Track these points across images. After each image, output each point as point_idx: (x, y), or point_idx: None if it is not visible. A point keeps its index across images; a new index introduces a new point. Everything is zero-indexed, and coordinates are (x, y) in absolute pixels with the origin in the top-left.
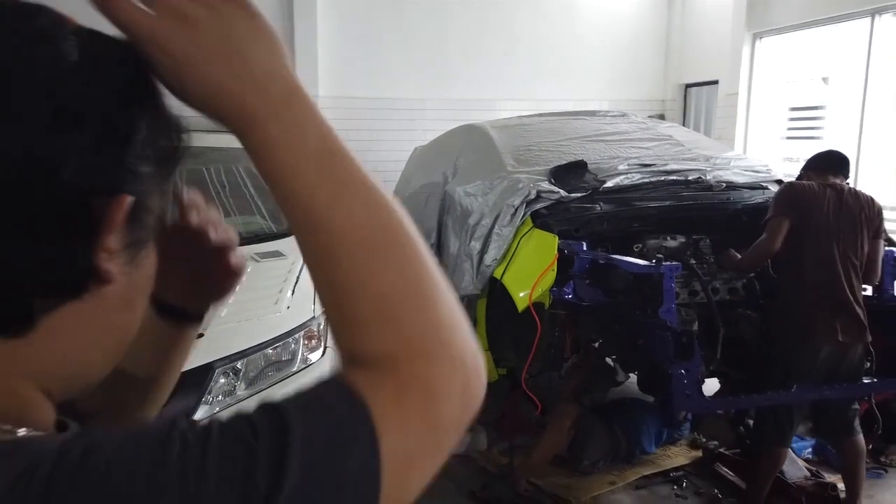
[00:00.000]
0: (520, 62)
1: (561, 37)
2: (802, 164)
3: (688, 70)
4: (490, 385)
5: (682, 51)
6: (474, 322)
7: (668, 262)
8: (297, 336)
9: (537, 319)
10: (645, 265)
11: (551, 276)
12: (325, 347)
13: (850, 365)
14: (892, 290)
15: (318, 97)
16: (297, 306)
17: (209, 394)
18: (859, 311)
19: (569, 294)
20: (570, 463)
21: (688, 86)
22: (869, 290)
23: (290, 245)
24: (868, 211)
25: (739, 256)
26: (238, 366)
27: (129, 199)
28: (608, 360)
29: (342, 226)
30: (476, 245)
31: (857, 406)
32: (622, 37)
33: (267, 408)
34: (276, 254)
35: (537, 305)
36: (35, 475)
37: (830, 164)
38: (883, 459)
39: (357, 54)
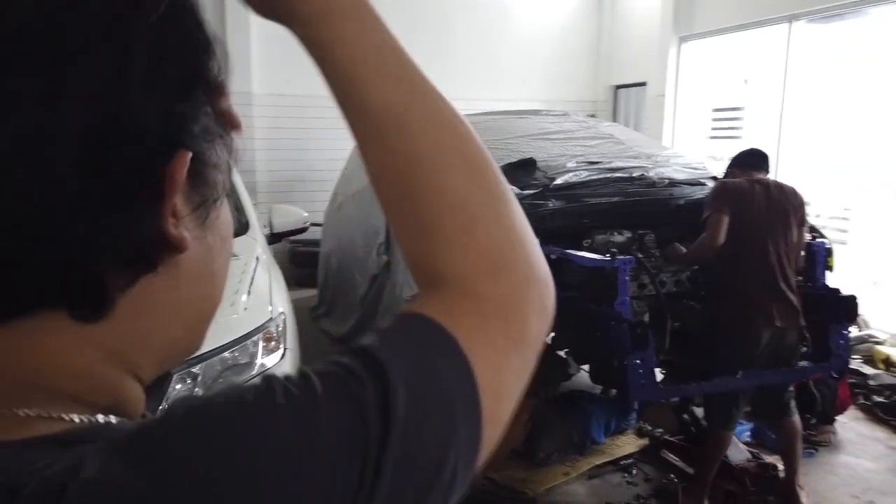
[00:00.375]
0: (454, 63)
1: (495, 38)
2: (727, 162)
3: (617, 72)
4: None
5: (611, 53)
6: None
7: (622, 257)
8: (255, 338)
9: None
10: (601, 260)
11: None
12: (285, 349)
13: (787, 348)
14: (824, 278)
15: (251, 94)
16: (253, 308)
17: (167, 400)
18: (793, 297)
19: None
20: (525, 456)
21: (617, 87)
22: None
23: (242, 245)
24: (794, 202)
25: (683, 250)
26: (195, 370)
27: (188, 156)
28: (560, 353)
29: (422, 127)
30: None
31: (791, 388)
32: (554, 40)
33: (358, 352)
34: None
35: None
36: (144, 432)
37: (754, 161)
38: (814, 438)
39: (292, 50)
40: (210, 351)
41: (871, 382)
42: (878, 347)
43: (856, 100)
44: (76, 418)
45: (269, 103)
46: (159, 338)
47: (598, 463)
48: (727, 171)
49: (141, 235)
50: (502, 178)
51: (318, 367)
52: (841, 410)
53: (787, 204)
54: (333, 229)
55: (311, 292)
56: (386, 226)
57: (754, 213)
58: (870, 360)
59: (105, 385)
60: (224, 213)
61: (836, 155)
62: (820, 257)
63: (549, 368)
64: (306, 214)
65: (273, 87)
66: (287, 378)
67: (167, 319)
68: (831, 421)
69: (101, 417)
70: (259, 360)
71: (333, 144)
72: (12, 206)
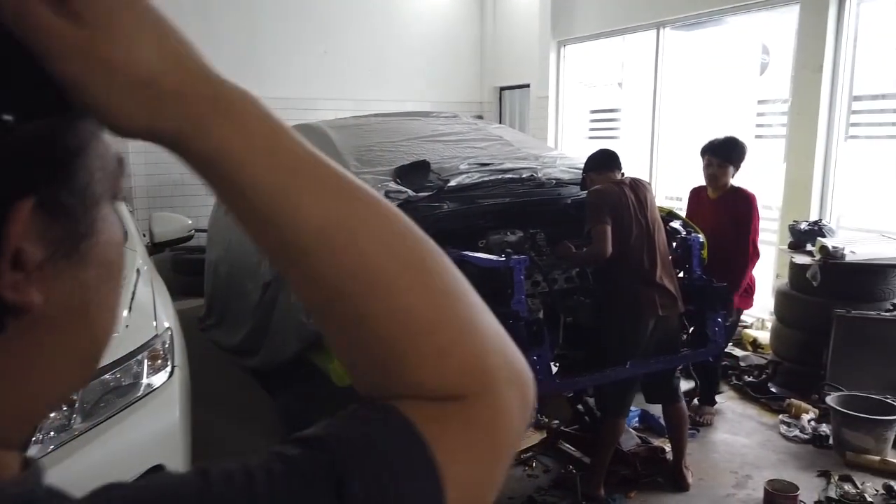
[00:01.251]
0: (338, 62)
1: (381, 39)
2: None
3: (501, 74)
4: (343, 390)
5: (495, 56)
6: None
7: (517, 256)
8: (139, 357)
9: None
10: (497, 260)
11: None
12: (173, 367)
13: (670, 335)
14: (700, 269)
15: None
16: (136, 325)
17: (39, 431)
18: (672, 286)
19: None
20: None
21: (502, 89)
22: (680, 272)
23: None
24: (649, 193)
25: (573, 247)
26: (72, 396)
27: (28, 204)
28: None
29: (376, 241)
30: None
31: (679, 376)
32: (440, 42)
33: (313, 445)
34: None
35: None
36: None
37: (609, 163)
38: (697, 419)
39: None
40: None
41: (742, 364)
42: (746, 331)
43: (717, 101)
44: None
45: None
46: (25, 399)
47: None
48: (584, 175)
49: None
50: (468, 285)
51: (263, 462)
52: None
53: (647, 198)
54: (220, 235)
55: (197, 302)
56: None
57: (629, 215)
58: (739, 342)
59: None
60: (105, 235)
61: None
62: (695, 250)
63: None
64: (190, 222)
65: None
66: (225, 471)
67: (38, 375)
68: (713, 402)
69: None
70: (145, 381)
71: None
72: None
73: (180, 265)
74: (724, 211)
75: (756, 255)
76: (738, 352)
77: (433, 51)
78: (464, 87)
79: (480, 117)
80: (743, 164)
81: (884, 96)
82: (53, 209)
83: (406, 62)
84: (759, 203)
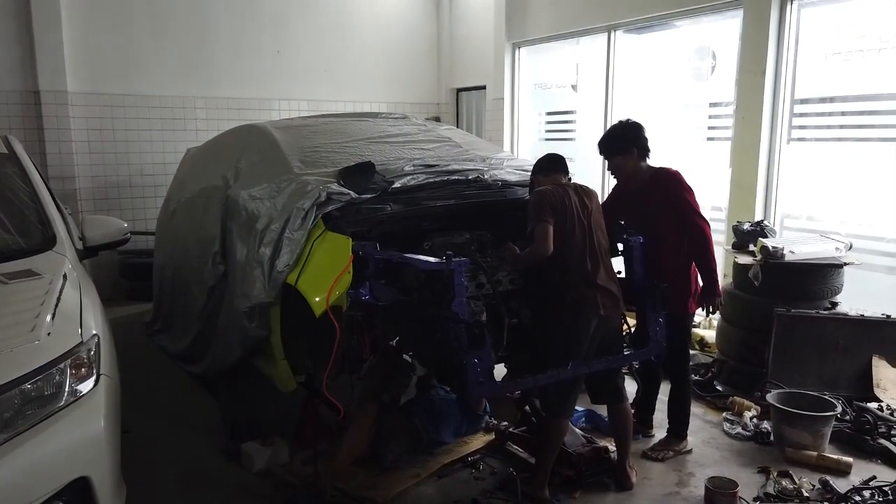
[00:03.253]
0: (294, 62)
1: (335, 38)
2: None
3: (458, 75)
4: (288, 394)
5: (452, 57)
6: (269, 331)
7: (458, 258)
8: (62, 366)
9: (336, 323)
10: (437, 262)
11: (347, 278)
12: (98, 375)
13: (612, 336)
14: (642, 270)
15: (66, 93)
16: (59, 332)
17: None
18: (614, 287)
19: (365, 295)
20: (373, 461)
21: (459, 90)
22: (623, 273)
23: (46, 262)
24: (595, 199)
25: (517, 249)
26: None
27: None
28: (405, 356)
29: None
30: (266, 251)
31: (623, 376)
32: (396, 42)
33: None
34: (29, 273)
35: (334, 309)
36: None
37: (555, 167)
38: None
39: (109, 44)
40: (6, 384)
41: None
42: (694, 330)
43: (669, 103)
44: None
45: (87, 102)
46: None
47: (446, 462)
48: (532, 177)
49: None
50: None
51: None
52: None
53: (591, 203)
54: (167, 238)
55: (146, 306)
56: (222, 233)
57: (572, 217)
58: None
59: None
60: None
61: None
62: (636, 252)
63: (394, 372)
64: (125, 224)
65: (91, 86)
66: None
67: None
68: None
69: None
70: (67, 389)
71: (163, 147)
72: None
73: (128, 269)
74: (655, 197)
75: (705, 222)
76: None
77: (390, 52)
78: (421, 89)
79: (438, 119)
80: (637, 144)
81: (825, 99)
82: None
83: (362, 63)
84: (689, 183)
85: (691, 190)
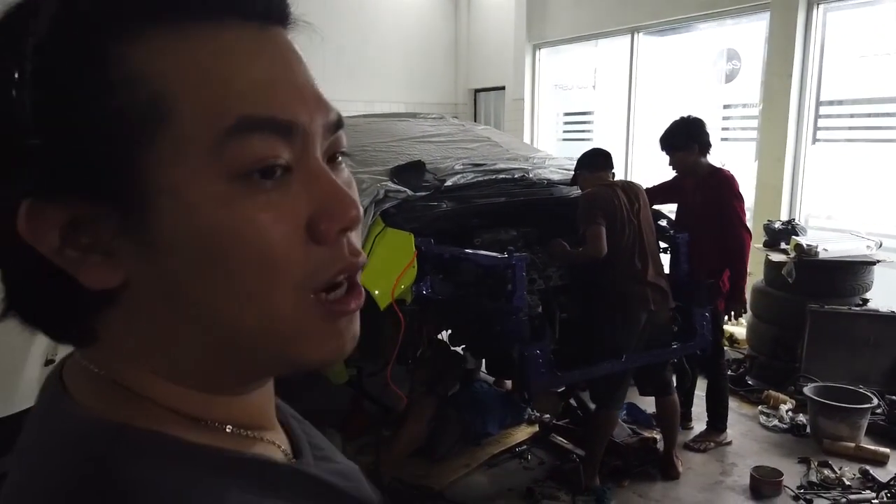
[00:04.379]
0: (314, 62)
1: (355, 39)
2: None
3: (476, 76)
4: (333, 388)
5: (470, 58)
6: None
7: (518, 254)
8: None
9: (401, 316)
10: (498, 257)
11: (412, 272)
12: None
13: (661, 329)
14: (687, 266)
15: None
16: None
17: None
18: (663, 283)
19: (426, 289)
20: (425, 453)
21: (476, 91)
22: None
23: None
24: (642, 197)
25: (566, 245)
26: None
27: (24, 209)
28: (457, 349)
29: None
30: None
31: (671, 370)
32: (414, 42)
33: None
34: None
35: (398, 302)
36: None
37: (602, 162)
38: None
39: None
40: None
41: None
42: (724, 327)
43: (686, 105)
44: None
45: None
46: (166, 348)
47: (494, 452)
48: (577, 172)
49: (56, 298)
50: None
51: None
52: None
53: (639, 200)
54: None
55: None
56: None
57: (621, 217)
58: None
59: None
60: (192, 221)
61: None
62: (682, 248)
63: (448, 365)
64: None
65: None
66: None
67: (163, 328)
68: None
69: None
70: None
71: None
72: None
73: None
74: (706, 195)
75: (748, 233)
76: None
77: (408, 52)
78: (439, 89)
79: (456, 118)
80: (699, 140)
81: (848, 102)
82: (95, 190)
83: (381, 63)
84: (741, 191)
85: (741, 197)
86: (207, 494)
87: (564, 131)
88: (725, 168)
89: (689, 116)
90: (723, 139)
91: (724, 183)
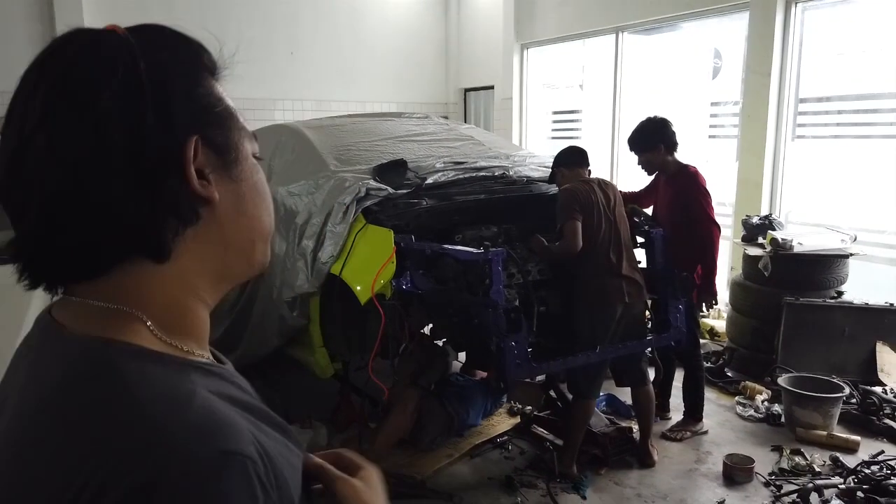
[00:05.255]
0: (306, 62)
1: (344, 38)
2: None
3: (466, 76)
4: (319, 382)
5: (460, 58)
6: (309, 320)
7: (495, 249)
8: None
9: (381, 310)
10: (477, 253)
11: (391, 268)
12: None
13: (636, 321)
14: (663, 260)
15: None
16: None
17: None
18: (638, 277)
19: (406, 284)
20: (410, 443)
21: (467, 90)
22: (644, 263)
23: None
24: (616, 194)
25: (545, 241)
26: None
27: (194, 139)
28: (439, 342)
29: None
30: (309, 244)
31: (646, 360)
32: (405, 42)
33: None
34: None
35: (378, 297)
36: None
37: (578, 159)
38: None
39: None
40: None
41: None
42: (704, 320)
43: (673, 103)
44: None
45: None
46: (215, 266)
47: (477, 443)
48: (554, 169)
49: (179, 198)
50: None
51: None
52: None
53: (614, 197)
54: None
55: None
56: None
57: (598, 213)
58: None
59: (181, 307)
60: (248, 166)
61: None
62: (658, 243)
63: (431, 357)
64: None
65: None
66: None
67: (218, 251)
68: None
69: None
70: None
71: None
72: (103, 195)
73: None
74: (673, 192)
75: (716, 227)
76: None
77: (399, 53)
78: (429, 89)
79: (446, 118)
80: (664, 140)
81: (827, 99)
82: (215, 148)
83: (372, 64)
84: (706, 186)
85: (707, 193)
86: (180, 375)
87: (553, 130)
88: (691, 165)
89: (654, 117)
90: (710, 136)
91: (690, 179)
